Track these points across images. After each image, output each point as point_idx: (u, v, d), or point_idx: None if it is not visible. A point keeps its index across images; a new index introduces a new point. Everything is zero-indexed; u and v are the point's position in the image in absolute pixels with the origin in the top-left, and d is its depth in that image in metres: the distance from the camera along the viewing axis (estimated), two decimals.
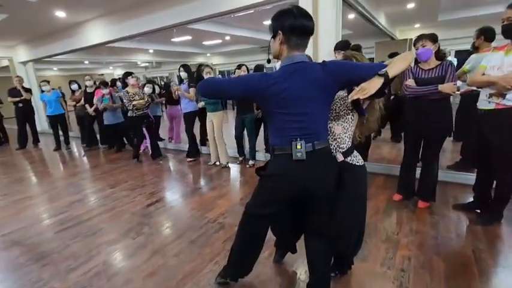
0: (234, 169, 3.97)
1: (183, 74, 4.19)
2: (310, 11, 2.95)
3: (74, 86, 5.74)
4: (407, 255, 1.89)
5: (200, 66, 4.55)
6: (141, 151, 5.11)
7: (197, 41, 11.01)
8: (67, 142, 6.06)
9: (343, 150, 1.36)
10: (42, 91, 5.84)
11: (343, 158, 1.37)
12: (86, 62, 13.16)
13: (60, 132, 5.95)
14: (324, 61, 1.21)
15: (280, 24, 1.19)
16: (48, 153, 5.88)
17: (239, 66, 3.78)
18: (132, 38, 5.44)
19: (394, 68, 1.18)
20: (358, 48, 3.09)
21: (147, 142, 4.90)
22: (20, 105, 5.97)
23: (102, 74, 6.76)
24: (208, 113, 3.92)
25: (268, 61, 1.37)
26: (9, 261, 2.11)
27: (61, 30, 6.35)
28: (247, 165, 3.98)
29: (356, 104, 1.30)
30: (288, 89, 1.16)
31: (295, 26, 1.17)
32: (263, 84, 1.18)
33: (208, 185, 3.45)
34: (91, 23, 5.77)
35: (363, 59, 1.45)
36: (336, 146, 1.37)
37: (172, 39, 10.16)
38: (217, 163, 4.13)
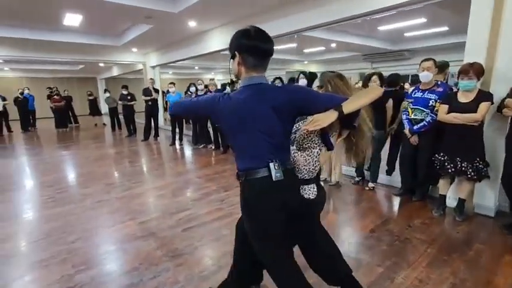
0: (349, 190, 3.53)
1: (303, 81, 4.01)
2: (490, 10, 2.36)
3: (193, 89, 6.29)
4: None
5: (311, 73, 4.39)
6: None
7: (298, 48, 10.97)
8: (181, 138, 6.72)
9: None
10: (168, 92, 6.62)
11: None
12: (196, 67, 14.77)
13: (177, 130, 6.63)
14: (283, 85, 1.21)
15: (237, 45, 1.18)
16: (165, 147, 6.62)
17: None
18: None
19: (352, 103, 1.15)
20: None
21: None
22: (149, 103, 6.92)
23: (213, 79, 7.28)
24: None
25: (231, 81, 1.32)
26: (149, 253, 2.22)
27: (186, 39, 7.13)
28: (367, 188, 3.48)
29: (323, 136, 1.29)
30: (249, 109, 1.16)
31: (251, 47, 1.16)
32: (221, 104, 1.20)
33: (325, 205, 3.10)
34: (213, 31, 6.25)
35: (339, 85, 1.37)
36: None
37: (275, 47, 10.39)
38: (328, 179, 3.78)
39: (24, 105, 9.78)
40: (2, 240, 2.48)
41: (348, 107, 1.13)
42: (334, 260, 1.50)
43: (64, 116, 10.31)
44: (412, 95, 2.94)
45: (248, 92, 1.17)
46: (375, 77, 3.20)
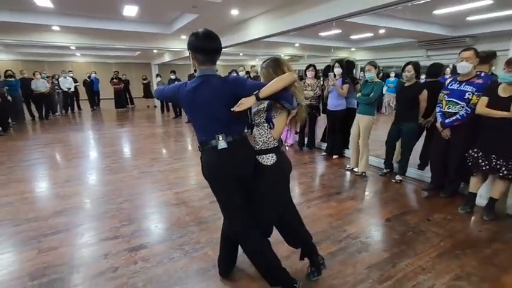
0: (375, 181, 3.51)
1: (338, 70, 4.01)
2: None
3: (233, 74, 6.60)
4: None
5: (348, 61, 4.38)
6: (288, 144, 5.34)
7: (344, 35, 10.49)
8: None
9: (256, 149, 1.56)
10: None
11: None
12: (241, 54, 15.07)
13: None
14: (226, 76, 1.50)
15: (189, 44, 1.43)
16: None
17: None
18: (290, 32, 5.66)
19: (267, 89, 1.38)
20: None
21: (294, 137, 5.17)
22: None
23: (254, 66, 7.49)
24: (357, 115, 3.62)
25: (195, 71, 1.51)
26: (180, 218, 2.60)
27: (229, 27, 7.37)
28: (393, 180, 3.44)
29: (267, 115, 1.53)
30: (198, 96, 1.44)
31: (198, 47, 1.42)
32: (180, 92, 1.50)
33: (346, 193, 3.18)
34: (254, 19, 6.39)
35: (268, 74, 1.53)
36: (253, 144, 1.57)
37: (319, 34, 10.08)
38: (355, 169, 3.79)
39: (90, 87, 11.15)
40: (70, 196, 3.08)
41: (263, 92, 1.37)
42: (295, 225, 1.76)
43: (122, 97, 11.50)
44: (449, 87, 2.80)
45: (199, 81, 1.44)
46: (409, 67, 3.09)
